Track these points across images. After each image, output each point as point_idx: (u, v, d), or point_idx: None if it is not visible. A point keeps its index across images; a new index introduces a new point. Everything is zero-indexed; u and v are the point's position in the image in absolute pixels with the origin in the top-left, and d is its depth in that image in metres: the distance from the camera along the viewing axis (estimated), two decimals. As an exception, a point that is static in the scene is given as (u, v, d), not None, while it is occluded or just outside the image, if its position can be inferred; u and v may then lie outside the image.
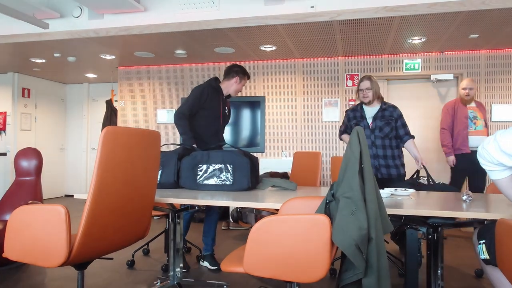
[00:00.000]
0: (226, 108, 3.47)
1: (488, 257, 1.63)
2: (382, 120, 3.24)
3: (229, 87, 3.41)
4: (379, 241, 1.46)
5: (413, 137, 3.30)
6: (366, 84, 3.29)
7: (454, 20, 3.97)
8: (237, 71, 3.41)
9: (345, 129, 3.48)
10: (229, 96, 3.46)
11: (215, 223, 3.47)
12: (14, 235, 1.68)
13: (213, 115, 3.31)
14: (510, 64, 5.13)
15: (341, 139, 3.60)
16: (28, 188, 3.43)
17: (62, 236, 1.58)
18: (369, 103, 3.31)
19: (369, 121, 3.28)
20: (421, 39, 4.69)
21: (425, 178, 3.04)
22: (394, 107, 3.34)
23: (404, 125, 3.29)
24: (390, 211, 1.72)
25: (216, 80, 3.40)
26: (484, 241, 1.66)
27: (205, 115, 3.27)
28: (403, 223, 2.00)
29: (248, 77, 3.49)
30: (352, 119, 3.40)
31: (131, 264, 3.43)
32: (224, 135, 3.53)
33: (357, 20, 3.98)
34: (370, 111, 3.32)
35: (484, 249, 1.64)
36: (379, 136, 3.24)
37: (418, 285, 2.05)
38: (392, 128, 3.24)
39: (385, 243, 1.70)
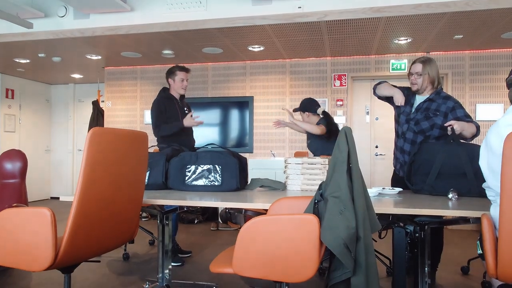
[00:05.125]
0: (186, 109, 3.68)
1: (482, 252, 1.62)
2: (423, 113, 2.65)
3: (173, 90, 3.62)
4: (367, 240, 1.47)
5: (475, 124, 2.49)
6: (417, 67, 2.66)
7: (439, 21, 4.03)
8: (167, 74, 3.61)
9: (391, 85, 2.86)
10: (183, 96, 3.69)
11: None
12: (-2, 239, 1.64)
13: (174, 121, 3.50)
14: (494, 64, 5.23)
15: (374, 90, 2.92)
16: (12, 191, 3.36)
17: (48, 239, 1.55)
18: (417, 92, 2.71)
19: (413, 110, 2.73)
20: (407, 39, 4.75)
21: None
22: (446, 98, 2.63)
23: (460, 120, 2.48)
24: (378, 210, 1.73)
25: (165, 90, 3.64)
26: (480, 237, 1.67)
27: (169, 124, 3.47)
28: (390, 221, 2.02)
29: (180, 69, 3.58)
30: (405, 97, 2.76)
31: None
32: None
33: (344, 20, 4.01)
34: (418, 100, 2.73)
35: (479, 245, 1.64)
36: (412, 129, 2.68)
37: (406, 283, 2.08)
38: (433, 125, 2.61)
39: (373, 242, 1.71)
